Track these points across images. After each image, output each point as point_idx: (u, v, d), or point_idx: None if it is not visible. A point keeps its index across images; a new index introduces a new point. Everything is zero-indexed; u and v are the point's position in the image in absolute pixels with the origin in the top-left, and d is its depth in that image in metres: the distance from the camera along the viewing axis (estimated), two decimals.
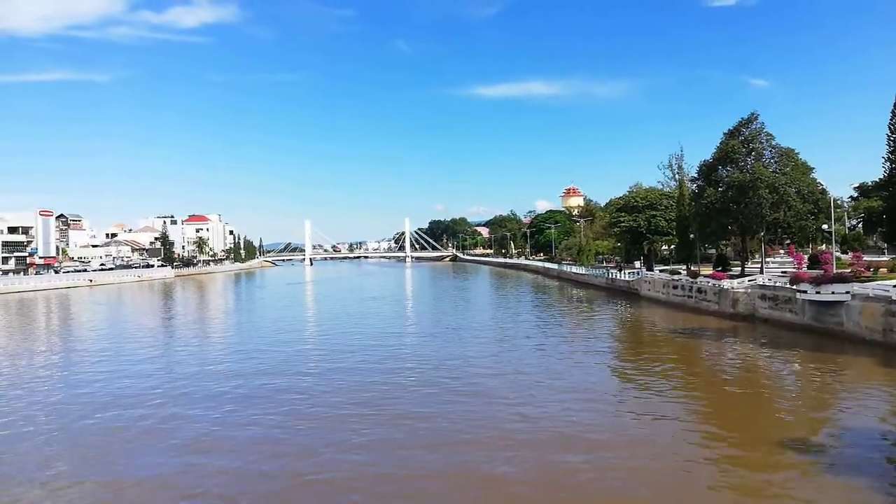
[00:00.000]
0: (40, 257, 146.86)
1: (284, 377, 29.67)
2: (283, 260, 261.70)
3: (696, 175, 60.32)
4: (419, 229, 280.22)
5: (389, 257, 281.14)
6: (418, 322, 52.60)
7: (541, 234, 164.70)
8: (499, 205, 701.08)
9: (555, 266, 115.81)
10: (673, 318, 48.39)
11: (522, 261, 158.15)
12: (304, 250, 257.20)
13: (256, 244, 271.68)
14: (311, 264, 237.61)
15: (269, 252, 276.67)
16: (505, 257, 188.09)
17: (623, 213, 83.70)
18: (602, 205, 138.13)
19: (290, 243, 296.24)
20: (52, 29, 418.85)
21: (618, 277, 75.44)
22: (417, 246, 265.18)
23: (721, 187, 54.31)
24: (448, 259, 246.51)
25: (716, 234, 58.70)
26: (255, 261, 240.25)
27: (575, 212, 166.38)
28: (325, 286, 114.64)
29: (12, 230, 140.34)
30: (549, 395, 24.52)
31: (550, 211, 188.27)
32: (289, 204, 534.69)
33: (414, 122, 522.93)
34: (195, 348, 41.26)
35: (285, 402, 24.74)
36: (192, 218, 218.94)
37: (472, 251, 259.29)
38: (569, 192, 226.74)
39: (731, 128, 54.51)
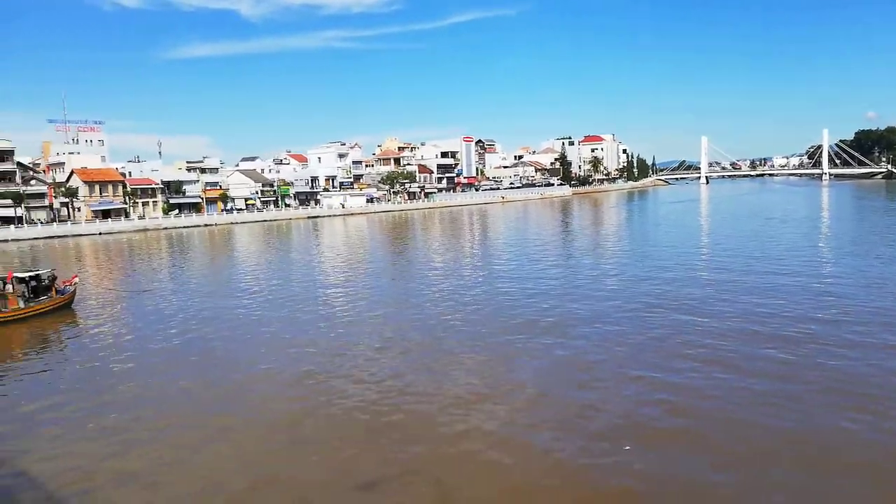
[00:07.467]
0: (465, 178, 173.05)
1: (681, 288, 29.61)
2: (676, 178, 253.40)
3: None
4: (841, 141, 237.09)
5: (801, 174, 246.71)
6: (850, 249, 43.20)
7: None
8: None
9: None
10: None
11: None
12: (698, 168, 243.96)
13: (649, 162, 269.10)
14: (707, 182, 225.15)
15: (661, 170, 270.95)
16: None
17: None
18: None
19: (684, 161, 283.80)
20: None
21: None
22: (838, 161, 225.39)
23: None
24: (881, 176, 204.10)
25: None
26: (648, 179, 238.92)
27: None
28: (721, 205, 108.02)
29: (444, 154, 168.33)
30: None
31: None
32: (684, 120, 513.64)
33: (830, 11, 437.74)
34: (598, 258, 44.02)
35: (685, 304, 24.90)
36: (588, 139, 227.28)
37: None
38: None
39: None
